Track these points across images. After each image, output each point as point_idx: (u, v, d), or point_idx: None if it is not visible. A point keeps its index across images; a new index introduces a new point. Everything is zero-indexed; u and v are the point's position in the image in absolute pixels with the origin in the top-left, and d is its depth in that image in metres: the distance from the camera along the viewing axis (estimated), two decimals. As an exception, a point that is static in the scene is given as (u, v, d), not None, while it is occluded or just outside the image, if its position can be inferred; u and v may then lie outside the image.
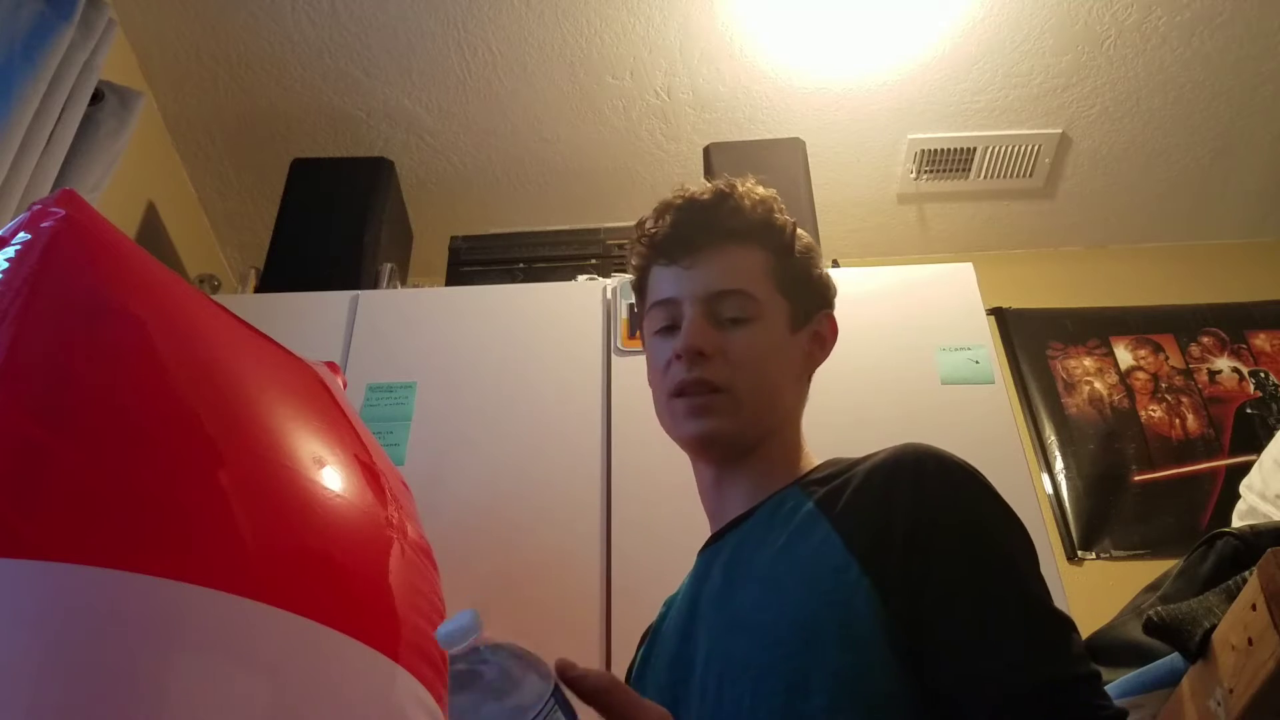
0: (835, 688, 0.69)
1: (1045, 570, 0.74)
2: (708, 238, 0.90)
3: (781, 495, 0.84)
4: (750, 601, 0.79)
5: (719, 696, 0.75)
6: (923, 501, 0.74)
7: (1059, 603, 0.73)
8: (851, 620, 0.71)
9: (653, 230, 0.93)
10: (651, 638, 0.93)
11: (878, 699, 0.68)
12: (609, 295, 1.79)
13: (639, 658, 0.95)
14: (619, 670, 0.88)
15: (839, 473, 0.82)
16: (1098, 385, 2.47)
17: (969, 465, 0.77)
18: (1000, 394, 1.61)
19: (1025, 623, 0.69)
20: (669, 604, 0.94)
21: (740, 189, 0.93)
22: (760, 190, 0.94)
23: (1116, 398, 2.44)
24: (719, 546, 0.87)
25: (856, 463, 0.81)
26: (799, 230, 0.95)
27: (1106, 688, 1.14)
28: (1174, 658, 0.92)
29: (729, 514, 0.89)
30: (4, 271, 0.87)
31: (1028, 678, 0.67)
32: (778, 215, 0.93)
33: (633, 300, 1.76)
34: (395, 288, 2.07)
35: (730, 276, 0.89)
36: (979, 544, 0.73)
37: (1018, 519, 0.76)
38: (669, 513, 1.50)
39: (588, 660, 1.40)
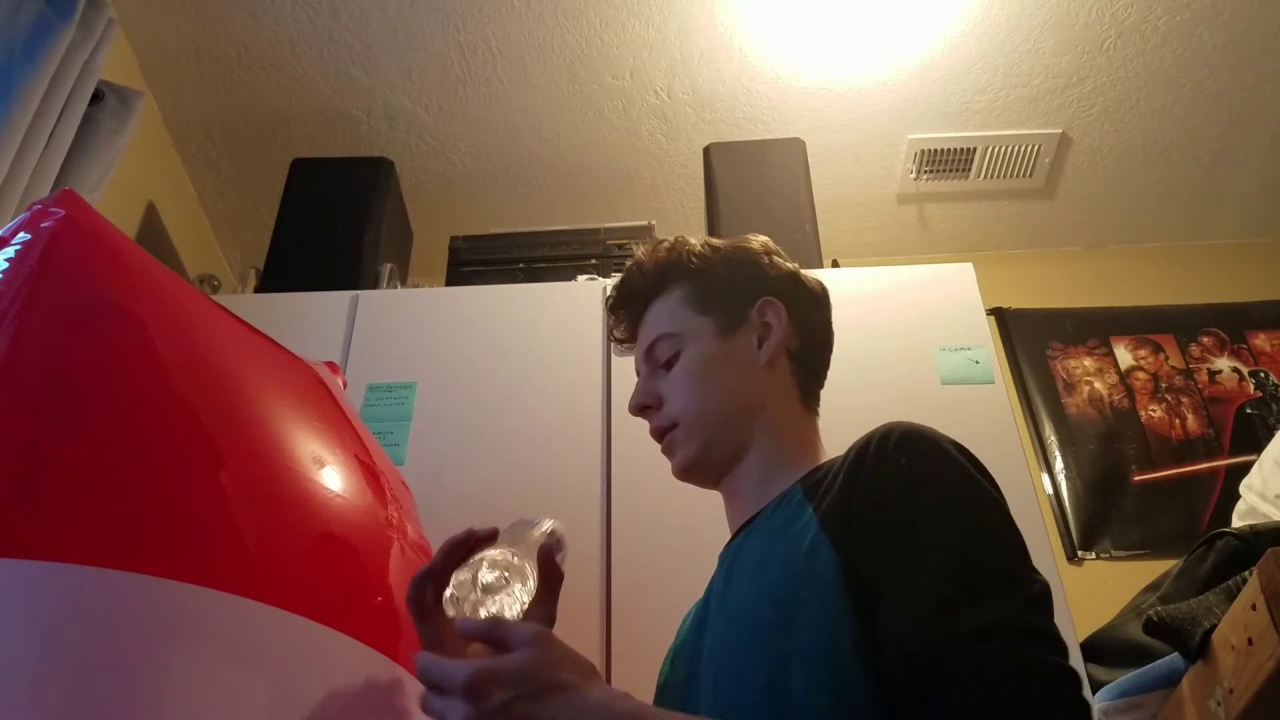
0: (812, 668, 0.70)
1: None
2: (631, 312, 1.03)
3: (786, 492, 0.87)
4: (741, 590, 0.82)
5: (715, 683, 0.78)
6: (881, 468, 0.75)
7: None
8: (824, 598, 0.72)
9: (612, 330, 1.07)
10: (675, 640, 0.97)
11: (850, 679, 0.68)
12: (609, 295, 1.78)
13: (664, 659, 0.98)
14: (621, 668, 0.89)
15: (832, 461, 0.84)
16: (1098, 385, 2.47)
17: (942, 437, 0.77)
18: (1000, 394, 1.61)
19: (956, 578, 0.67)
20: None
21: (640, 253, 1.04)
22: (666, 241, 1.03)
23: (1116, 398, 2.44)
24: (731, 547, 0.91)
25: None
26: (715, 243, 1.01)
27: (1106, 688, 1.15)
28: (1174, 658, 0.92)
29: (742, 519, 0.92)
30: (4, 271, 0.87)
31: (935, 632, 0.65)
32: (682, 250, 1.00)
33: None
34: (395, 288, 2.06)
35: (651, 329, 1.00)
36: (925, 501, 0.72)
37: (985, 487, 0.74)
38: (669, 512, 1.50)
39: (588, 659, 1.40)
